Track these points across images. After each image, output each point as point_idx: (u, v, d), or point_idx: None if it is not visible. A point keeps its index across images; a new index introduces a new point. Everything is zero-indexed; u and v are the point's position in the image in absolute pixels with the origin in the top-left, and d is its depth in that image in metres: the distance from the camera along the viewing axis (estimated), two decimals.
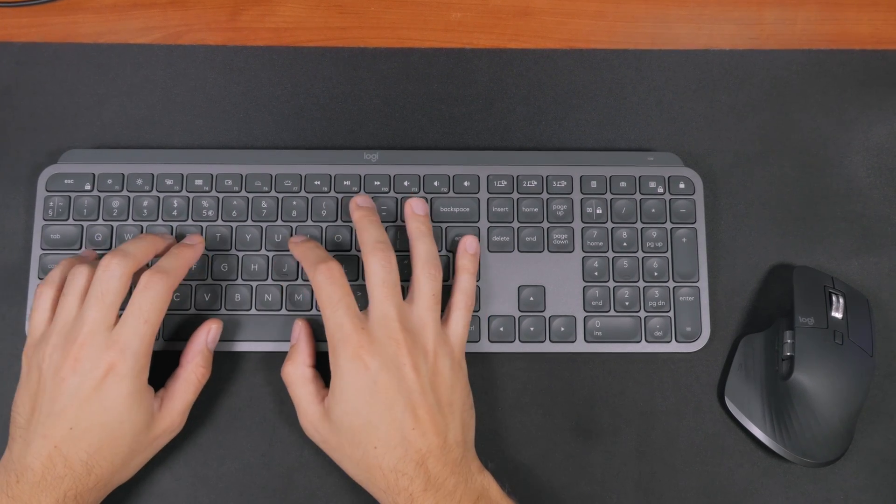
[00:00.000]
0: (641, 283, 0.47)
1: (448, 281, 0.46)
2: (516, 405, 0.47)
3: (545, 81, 0.52)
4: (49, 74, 0.51)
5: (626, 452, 0.46)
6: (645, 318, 0.47)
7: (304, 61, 0.52)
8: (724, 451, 0.46)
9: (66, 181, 0.48)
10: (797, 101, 0.51)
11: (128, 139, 0.50)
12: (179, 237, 0.47)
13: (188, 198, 0.48)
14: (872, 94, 0.52)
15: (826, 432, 0.44)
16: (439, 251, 0.46)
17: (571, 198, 0.48)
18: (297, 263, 0.47)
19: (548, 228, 0.48)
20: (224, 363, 0.47)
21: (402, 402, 0.39)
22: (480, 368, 0.47)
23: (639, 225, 0.48)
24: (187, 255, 0.44)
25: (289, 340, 0.46)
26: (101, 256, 0.43)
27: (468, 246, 0.45)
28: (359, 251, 0.47)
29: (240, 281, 0.47)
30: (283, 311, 0.46)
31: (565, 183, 0.48)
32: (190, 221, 0.47)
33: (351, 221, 0.47)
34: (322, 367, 0.44)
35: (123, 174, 0.48)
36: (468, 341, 0.46)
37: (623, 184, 0.48)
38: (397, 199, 0.48)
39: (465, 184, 0.48)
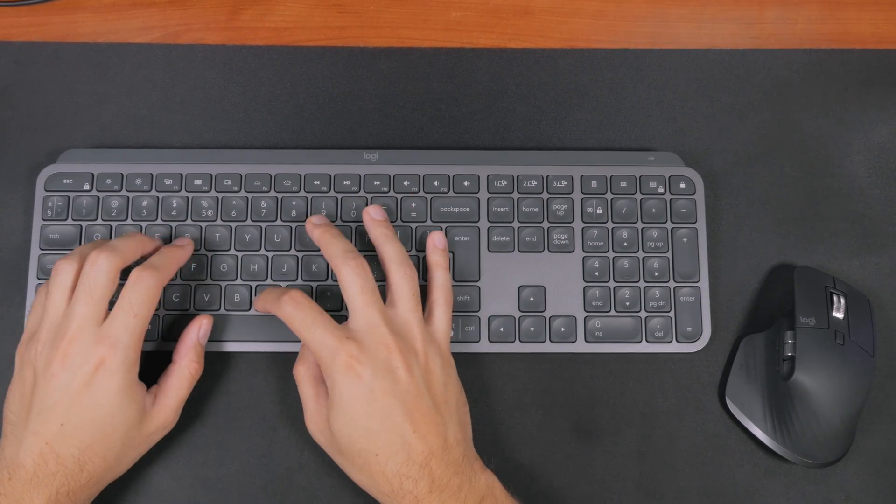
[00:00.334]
0: (642, 284, 0.47)
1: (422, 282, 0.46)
2: (516, 405, 0.47)
3: (545, 81, 0.52)
4: (48, 74, 0.51)
5: (627, 453, 0.46)
6: (645, 318, 0.47)
7: (303, 61, 0.52)
8: (725, 452, 0.46)
9: (64, 181, 0.47)
10: (798, 100, 0.51)
11: (127, 139, 0.50)
12: (172, 239, 0.47)
13: (187, 198, 0.48)
14: (874, 93, 0.51)
15: (827, 433, 0.44)
16: (409, 251, 0.46)
17: (572, 198, 0.48)
18: (297, 264, 0.47)
19: (548, 228, 0.48)
20: (223, 363, 0.47)
21: (399, 407, 0.39)
22: (481, 369, 0.47)
23: (639, 225, 0.48)
24: (177, 255, 0.44)
25: (288, 341, 0.46)
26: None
27: (437, 242, 0.45)
28: (361, 250, 0.47)
29: (239, 281, 0.47)
30: None
31: (566, 183, 0.48)
32: (189, 221, 0.47)
33: (351, 221, 0.47)
34: None
35: (122, 174, 0.48)
36: (468, 342, 0.46)
37: (623, 184, 0.48)
38: (397, 198, 0.48)
39: (465, 184, 0.48)
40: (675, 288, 0.47)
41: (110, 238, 0.47)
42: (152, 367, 0.44)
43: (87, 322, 0.39)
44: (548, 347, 0.47)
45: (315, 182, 0.48)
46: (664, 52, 0.52)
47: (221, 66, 0.51)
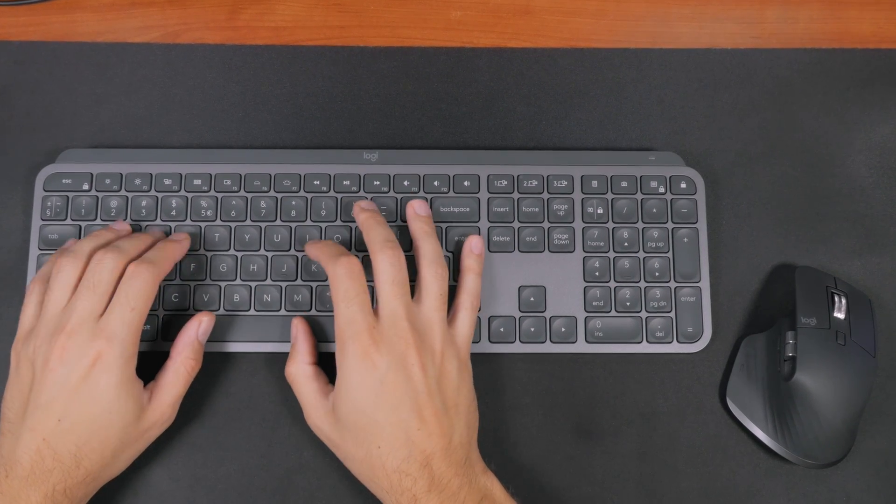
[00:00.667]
0: (642, 284, 0.47)
1: (452, 281, 0.46)
2: (517, 406, 0.47)
3: (546, 80, 0.51)
4: (47, 73, 0.51)
5: (627, 453, 0.46)
6: (646, 318, 0.47)
7: (303, 60, 0.51)
8: (726, 453, 0.46)
9: (63, 181, 0.47)
10: (799, 100, 0.51)
11: (126, 138, 0.50)
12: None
13: (187, 198, 0.47)
14: (875, 93, 0.51)
15: (828, 433, 0.44)
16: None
17: (572, 197, 0.48)
18: (297, 264, 0.47)
19: (548, 228, 0.48)
20: (223, 364, 0.47)
21: (408, 403, 0.39)
22: (481, 369, 0.46)
23: (640, 225, 0.48)
24: (173, 249, 0.44)
25: (288, 341, 0.46)
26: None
27: (473, 246, 0.45)
28: (358, 251, 0.47)
29: (239, 281, 0.47)
30: (283, 312, 0.46)
31: (566, 183, 0.48)
32: (188, 221, 0.47)
33: (350, 221, 0.47)
34: (324, 364, 0.44)
35: (122, 174, 0.48)
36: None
37: (624, 183, 0.48)
38: (397, 198, 0.48)
39: (466, 183, 0.48)
40: (675, 288, 0.47)
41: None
42: (152, 366, 0.44)
43: (86, 317, 0.39)
44: (548, 348, 0.46)
45: (315, 182, 0.48)
46: (665, 52, 0.52)
47: (221, 65, 0.51)
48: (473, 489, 0.39)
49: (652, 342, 0.47)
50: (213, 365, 0.46)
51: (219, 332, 0.46)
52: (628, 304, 0.47)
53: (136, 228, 0.47)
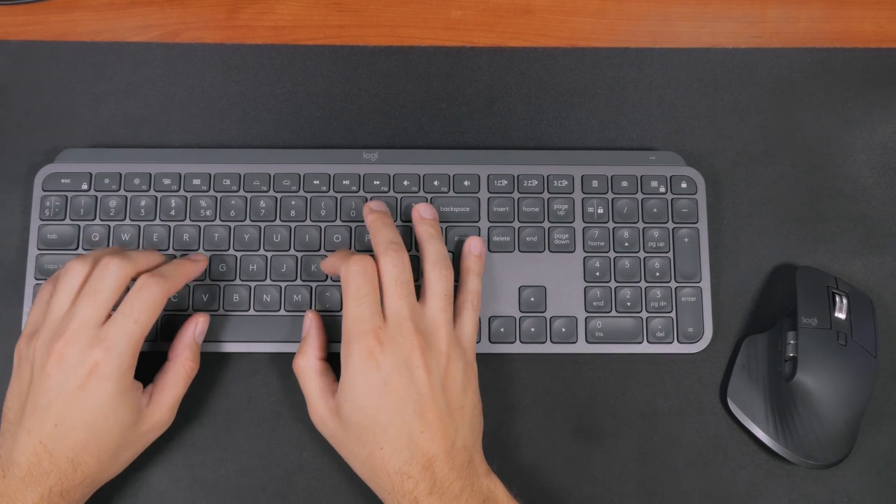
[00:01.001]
0: (643, 284, 0.47)
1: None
2: (517, 406, 0.47)
3: (546, 80, 0.51)
4: (46, 73, 0.51)
5: (628, 454, 0.46)
6: (647, 318, 0.47)
7: (302, 60, 0.51)
8: (727, 453, 0.46)
9: (62, 181, 0.47)
10: (800, 99, 0.51)
11: (125, 138, 0.50)
12: (177, 241, 0.47)
13: (186, 197, 0.47)
14: (876, 92, 0.51)
15: (829, 434, 0.44)
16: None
17: (572, 197, 0.48)
18: (296, 264, 0.47)
19: (549, 228, 0.47)
20: (222, 364, 0.47)
21: (411, 405, 0.39)
22: (481, 369, 0.46)
23: (640, 225, 0.48)
24: (188, 268, 0.44)
25: (288, 341, 0.46)
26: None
27: (473, 247, 0.45)
28: (360, 251, 0.47)
29: (238, 281, 0.46)
30: (282, 312, 0.46)
31: (566, 182, 0.48)
32: (188, 221, 0.47)
33: (350, 221, 0.47)
34: (333, 360, 0.44)
35: (121, 174, 0.47)
36: None
37: (624, 183, 0.48)
38: (397, 198, 0.48)
39: (466, 183, 0.48)
40: (676, 288, 0.47)
41: (108, 238, 0.47)
42: (150, 367, 0.43)
43: (86, 324, 0.39)
44: (548, 348, 0.46)
45: (314, 182, 0.48)
46: (666, 51, 0.52)
47: (220, 65, 0.51)
48: (476, 492, 0.39)
49: (652, 342, 0.46)
50: (213, 365, 0.46)
51: (218, 333, 0.46)
52: (629, 304, 0.47)
53: (136, 229, 0.47)
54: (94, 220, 0.47)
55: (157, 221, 0.47)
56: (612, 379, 0.47)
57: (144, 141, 0.50)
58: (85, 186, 0.47)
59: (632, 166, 0.48)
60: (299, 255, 0.47)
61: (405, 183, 0.48)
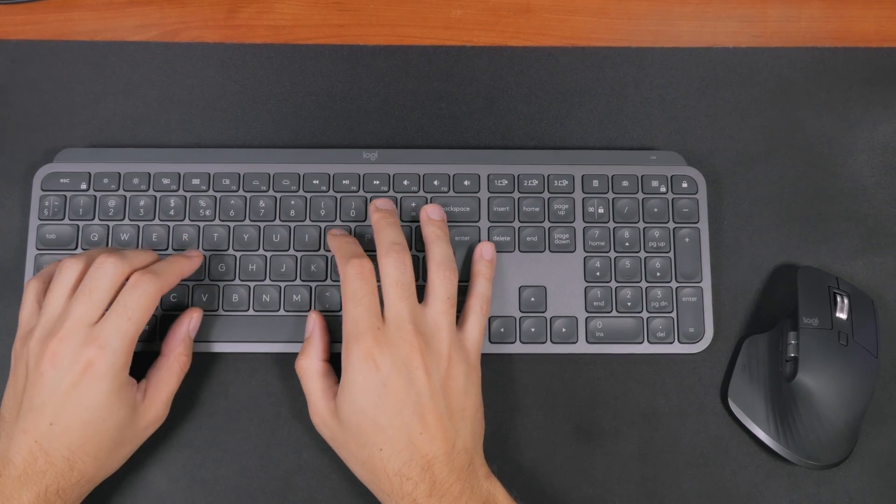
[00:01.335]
0: (644, 284, 0.47)
1: (463, 282, 0.45)
2: (517, 407, 0.46)
3: (546, 79, 0.51)
4: (44, 72, 0.51)
5: (629, 455, 0.46)
6: (647, 318, 0.46)
7: (302, 59, 0.51)
8: (728, 454, 0.46)
9: (61, 180, 0.47)
10: (801, 99, 0.51)
11: (124, 138, 0.50)
12: (176, 241, 0.47)
13: (185, 197, 0.47)
14: (877, 92, 0.51)
15: (830, 434, 0.44)
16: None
17: (573, 197, 0.48)
18: (296, 264, 0.46)
19: (549, 228, 0.47)
20: (222, 364, 0.46)
21: (410, 406, 0.39)
22: (481, 369, 0.46)
23: (641, 225, 0.47)
24: (182, 264, 0.43)
25: (287, 341, 0.46)
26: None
27: (484, 252, 0.45)
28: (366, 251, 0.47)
29: (237, 281, 0.46)
30: (282, 312, 0.46)
31: (567, 182, 0.48)
32: (187, 221, 0.47)
33: (350, 220, 0.47)
34: (336, 361, 0.44)
35: (120, 173, 0.47)
36: None
37: (625, 183, 0.48)
38: (397, 198, 0.47)
39: (466, 183, 0.48)
40: (677, 288, 0.47)
41: (107, 238, 0.47)
42: (147, 366, 0.43)
43: (80, 322, 0.39)
44: (549, 348, 0.46)
45: (314, 181, 0.47)
46: (666, 51, 0.52)
47: (219, 64, 0.51)
48: (475, 495, 0.39)
49: (653, 342, 0.46)
50: (212, 365, 0.46)
51: (218, 333, 0.46)
52: (629, 304, 0.46)
53: (136, 229, 0.47)
54: (93, 219, 0.47)
55: (157, 221, 0.47)
56: (612, 379, 0.47)
57: (143, 140, 0.50)
58: (84, 186, 0.47)
59: (632, 166, 0.48)
60: (299, 255, 0.47)
61: (405, 183, 0.48)
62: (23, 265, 0.47)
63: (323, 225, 0.47)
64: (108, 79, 0.51)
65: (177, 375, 0.43)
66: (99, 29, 0.52)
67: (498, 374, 0.47)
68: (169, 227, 0.47)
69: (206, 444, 0.45)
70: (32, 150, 0.49)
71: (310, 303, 0.46)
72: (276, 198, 0.47)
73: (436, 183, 0.48)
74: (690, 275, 0.47)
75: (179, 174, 0.47)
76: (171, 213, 0.47)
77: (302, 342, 0.44)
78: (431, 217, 0.45)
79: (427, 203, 0.47)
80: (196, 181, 0.47)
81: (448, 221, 0.47)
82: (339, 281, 0.43)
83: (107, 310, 0.40)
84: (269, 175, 0.47)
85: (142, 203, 0.47)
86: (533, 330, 0.46)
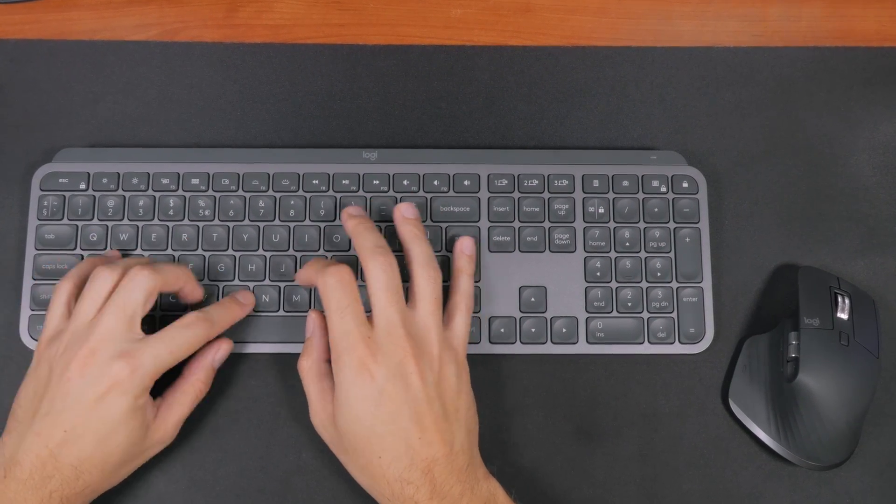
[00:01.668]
0: (644, 284, 0.47)
1: (446, 282, 0.45)
2: (517, 407, 0.46)
3: (546, 79, 0.51)
4: (43, 72, 0.50)
5: (629, 455, 0.46)
6: (648, 319, 0.46)
7: (301, 58, 0.51)
8: (728, 454, 0.46)
9: (60, 180, 0.47)
10: (802, 99, 0.51)
11: (123, 138, 0.50)
12: (176, 241, 0.46)
13: (184, 197, 0.47)
14: (878, 91, 0.51)
15: (831, 435, 0.44)
16: (438, 252, 0.46)
17: (573, 197, 0.48)
18: (295, 264, 0.46)
19: (549, 228, 0.47)
20: (221, 364, 0.46)
21: (407, 412, 0.38)
22: (481, 370, 0.46)
23: (641, 224, 0.47)
24: (235, 312, 0.44)
25: (287, 341, 0.46)
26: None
27: (465, 247, 0.45)
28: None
29: (237, 281, 0.46)
30: (281, 312, 0.46)
31: (567, 182, 0.48)
32: (186, 221, 0.47)
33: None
34: None
35: (119, 173, 0.47)
36: (468, 343, 0.45)
37: (625, 183, 0.48)
38: (396, 198, 0.47)
39: (466, 183, 0.48)
40: (677, 288, 0.47)
41: (106, 238, 0.46)
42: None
43: (112, 336, 0.39)
44: (549, 349, 0.46)
45: (314, 181, 0.47)
46: (667, 50, 0.52)
47: (219, 63, 0.51)
48: (476, 495, 0.39)
49: (654, 343, 0.46)
50: None
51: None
52: (630, 304, 0.46)
53: (135, 229, 0.47)
54: (92, 219, 0.47)
55: (156, 221, 0.47)
56: (612, 380, 0.47)
57: (143, 140, 0.50)
58: (83, 186, 0.47)
59: (633, 166, 0.48)
60: (298, 255, 0.47)
61: (405, 182, 0.47)
62: (21, 265, 0.47)
63: (323, 225, 0.47)
64: (107, 78, 0.51)
65: (191, 400, 0.43)
66: (98, 28, 0.52)
67: (498, 374, 0.47)
68: (168, 227, 0.47)
69: (206, 444, 0.45)
70: (31, 149, 0.49)
71: (309, 303, 0.46)
72: (275, 198, 0.47)
73: (436, 183, 0.48)
74: (691, 275, 0.47)
75: (179, 174, 0.47)
76: (171, 213, 0.47)
77: (302, 342, 0.44)
78: (406, 216, 0.44)
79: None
80: (195, 181, 0.47)
81: (448, 222, 0.47)
82: None
83: (144, 328, 0.40)
84: (269, 175, 0.47)
85: (141, 203, 0.47)
86: (533, 330, 0.46)
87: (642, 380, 0.47)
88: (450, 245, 0.47)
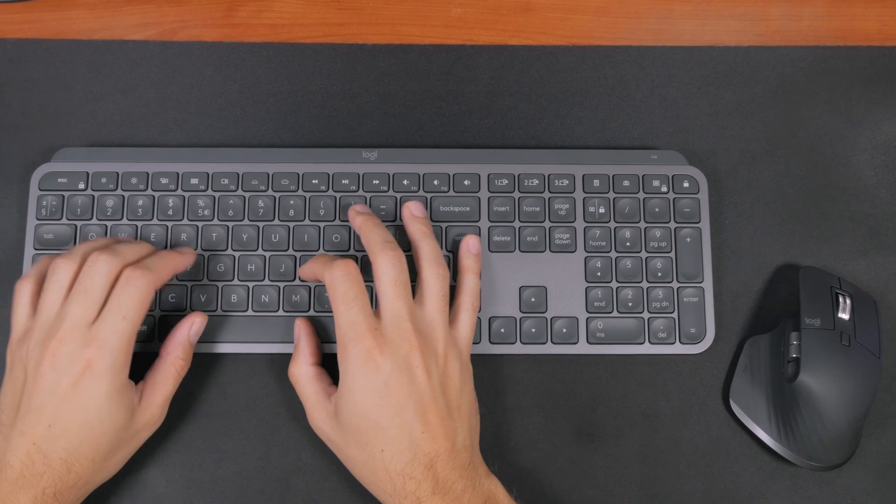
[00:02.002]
0: (645, 284, 0.47)
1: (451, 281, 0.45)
2: (517, 407, 0.46)
3: (547, 78, 0.51)
4: (42, 71, 0.50)
5: (630, 456, 0.46)
6: (648, 319, 0.46)
7: (301, 58, 0.51)
8: (729, 455, 0.46)
9: (59, 180, 0.47)
10: (803, 98, 0.51)
11: (122, 137, 0.50)
12: (168, 244, 0.46)
13: (184, 197, 0.47)
14: (880, 91, 0.51)
15: (833, 435, 0.43)
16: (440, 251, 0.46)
17: (574, 197, 0.47)
18: (295, 264, 0.46)
19: (549, 228, 0.47)
20: (220, 365, 0.46)
21: (412, 406, 0.38)
22: (481, 370, 0.46)
23: (642, 224, 0.47)
24: (174, 259, 0.43)
25: (287, 342, 0.45)
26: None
27: (470, 246, 0.45)
28: (357, 251, 0.46)
29: (236, 281, 0.46)
30: (281, 312, 0.46)
31: (567, 182, 0.48)
32: (186, 221, 0.47)
33: (349, 221, 0.47)
34: (327, 364, 0.44)
35: (118, 173, 0.47)
36: None
37: (626, 183, 0.48)
38: (396, 198, 0.47)
39: (466, 183, 0.47)
40: (678, 288, 0.47)
41: (106, 236, 0.46)
42: (147, 367, 0.43)
43: (78, 323, 0.39)
44: (549, 349, 0.46)
45: (313, 181, 0.47)
46: (667, 50, 0.52)
47: (218, 63, 0.51)
48: (477, 492, 0.39)
49: (654, 343, 0.46)
50: (210, 366, 0.46)
51: (216, 333, 0.46)
52: (630, 304, 0.46)
53: (134, 229, 0.47)
54: (91, 219, 0.47)
55: (155, 221, 0.47)
56: (613, 380, 0.47)
57: (142, 140, 0.50)
58: (82, 186, 0.47)
59: (633, 165, 0.48)
60: (298, 255, 0.46)
61: (405, 182, 0.47)
62: (20, 265, 0.47)
63: (322, 225, 0.47)
64: (107, 78, 0.50)
65: (173, 379, 0.42)
66: (97, 28, 0.51)
67: (498, 374, 0.47)
68: (167, 226, 0.47)
69: (205, 444, 0.45)
70: (30, 149, 0.49)
71: (309, 303, 0.46)
72: (275, 197, 0.47)
73: (436, 182, 0.47)
74: (692, 275, 0.47)
75: (178, 174, 0.47)
76: (170, 212, 0.47)
77: None
78: (415, 214, 0.44)
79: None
80: (195, 181, 0.47)
81: (448, 221, 0.47)
82: None
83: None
84: (268, 175, 0.47)
85: (140, 203, 0.47)
86: (533, 330, 0.46)
87: (643, 380, 0.47)
88: (450, 245, 0.47)
